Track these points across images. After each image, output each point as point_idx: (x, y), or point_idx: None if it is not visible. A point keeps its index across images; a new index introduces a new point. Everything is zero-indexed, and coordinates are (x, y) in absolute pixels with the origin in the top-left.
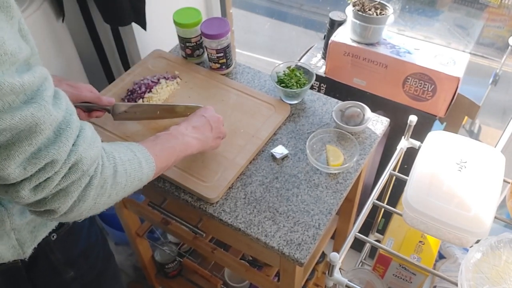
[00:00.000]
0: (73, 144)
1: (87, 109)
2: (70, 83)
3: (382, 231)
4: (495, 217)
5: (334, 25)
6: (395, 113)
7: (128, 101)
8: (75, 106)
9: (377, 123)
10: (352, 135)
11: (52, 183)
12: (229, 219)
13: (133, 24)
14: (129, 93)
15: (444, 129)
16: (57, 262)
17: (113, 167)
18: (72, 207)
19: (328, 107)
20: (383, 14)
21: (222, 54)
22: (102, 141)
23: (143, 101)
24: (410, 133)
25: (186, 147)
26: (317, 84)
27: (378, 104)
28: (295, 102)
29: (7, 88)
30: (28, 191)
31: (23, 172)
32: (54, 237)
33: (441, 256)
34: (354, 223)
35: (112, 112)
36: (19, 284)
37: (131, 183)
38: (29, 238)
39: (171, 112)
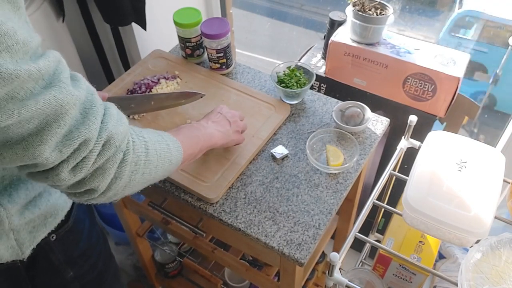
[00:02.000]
0: (101, 122)
1: None
2: None
3: (382, 231)
4: (495, 217)
5: (334, 25)
6: (395, 113)
7: None
8: None
9: (377, 123)
10: (352, 135)
11: (89, 161)
12: (229, 219)
13: (133, 24)
14: (129, 93)
15: (444, 129)
16: (57, 262)
17: (144, 145)
18: (110, 185)
19: (328, 107)
20: (383, 14)
21: (222, 54)
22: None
23: None
24: (410, 133)
25: (210, 137)
26: (317, 84)
27: (378, 104)
28: (295, 102)
29: (25, 75)
30: (67, 173)
31: (59, 155)
32: (54, 237)
33: (441, 256)
34: (354, 223)
35: None
36: (19, 283)
37: (162, 164)
38: (28, 239)
39: (165, 101)
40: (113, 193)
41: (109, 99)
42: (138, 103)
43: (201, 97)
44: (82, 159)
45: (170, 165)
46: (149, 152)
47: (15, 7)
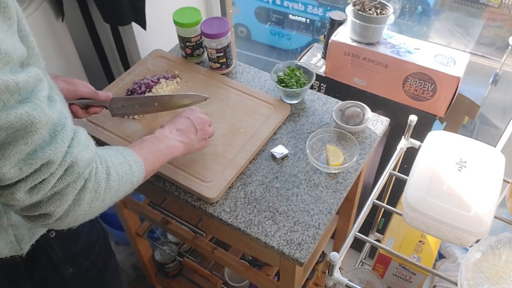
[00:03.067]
0: (68, 146)
1: (84, 105)
2: (66, 79)
3: (382, 231)
4: (495, 217)
5: (334, 24)
6: (395, 112)
7: None
8: (72, 103)
9: (377, 123)
10: (352, 134)
11: (48, 185)
12: (229, 218)
13: (133, 23)
14: (129, 92)
15: (444, 129)
16: (57, 258)
17: (105, 171)
18: (67, 211)
19: (328, 106)
20: (383, 14)
21: (222, 54)
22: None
23: None
24: (410, 132)
25: (172, 150)
26: (317, 84)
27: (378, 104)
28: (295, 101)
29: (1, 86)
30: (23, 193)
31: (18, 173)
32: (53, 234)
33: (441, 256)
34: (354, 222)
35: (110, 108)
36: (18, 279)
37: (123, 187)
38: (27, 235)
39: (169, 103)
40: (72, 220)
41: (113, 99)
42: (142, 104)
43: (205, 99)
44: (41, 181)
45: (131, 186)
46: (110, 178)
47: (5, 17)
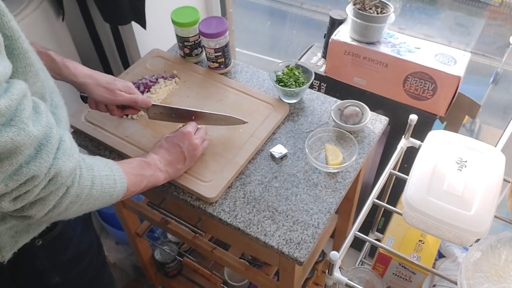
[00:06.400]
0: (53, 158)
1: (121, 106)
2: (109, 86)
3: (382, 230)
4: (495, 216)
5: (335, 24)
6: (396, 112)
7: None
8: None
9: (376, 122)
10: (351, 134)
11: (32, 194)
12: (228, 218)
13: (133, 23)
14: None
15: (445, 129)
16: (42, 267)
17: (91, 179)
18: (46, 213)
19: (327, 106)
20: (383, 13)
21: (220, 53)
22: (89, 153)
23: None
24: (411, 132)
25: (156, 179)
26: (317, 83)
27: (378, 103)
28: (294, 101)
29: None
30: (8, 203)
31: (4, 188)
32: (39, 242)
33: (440, 255)
34: (354, 222)
35: (148, 112)
36: (3, 282)
37: (103, 198)
38: (9, 243)
39: (207, 120)
40: (47, 218)
41: (153, 106)
42: (179, 115)
43: (243, 123)
44: (25, 192)
45: (110, 199)
46: (94, 187)
47: None
